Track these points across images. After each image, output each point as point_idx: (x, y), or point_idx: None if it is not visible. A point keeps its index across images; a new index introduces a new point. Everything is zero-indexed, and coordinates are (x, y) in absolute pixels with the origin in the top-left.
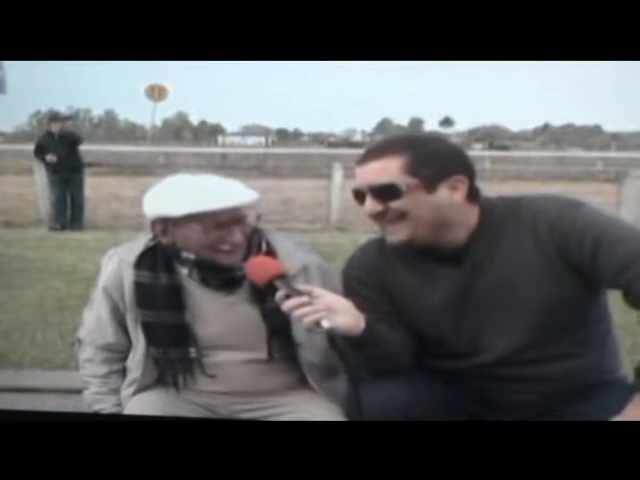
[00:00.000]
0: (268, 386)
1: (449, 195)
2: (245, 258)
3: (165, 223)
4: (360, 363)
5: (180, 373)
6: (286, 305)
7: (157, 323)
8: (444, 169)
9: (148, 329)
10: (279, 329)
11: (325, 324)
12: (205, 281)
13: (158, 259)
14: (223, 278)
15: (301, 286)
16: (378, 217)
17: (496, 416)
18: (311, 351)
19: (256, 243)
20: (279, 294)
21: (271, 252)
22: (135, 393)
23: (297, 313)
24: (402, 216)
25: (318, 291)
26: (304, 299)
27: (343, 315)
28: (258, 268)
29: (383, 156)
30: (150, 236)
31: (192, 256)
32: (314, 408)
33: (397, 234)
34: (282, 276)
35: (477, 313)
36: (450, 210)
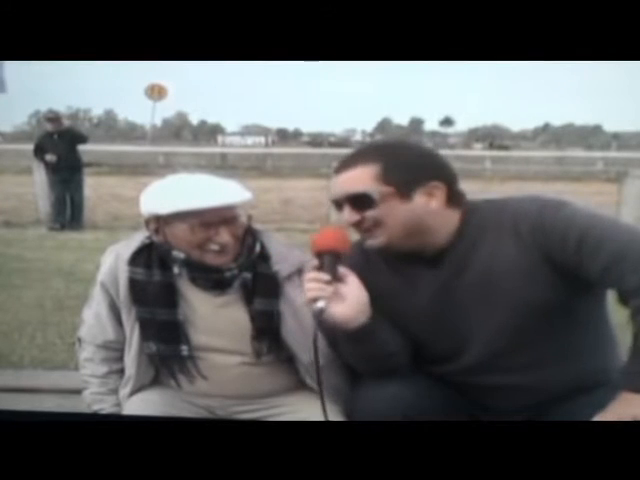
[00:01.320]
0: (264, 388)
1: (425, 202)
2: (236, 259)
3: (157, 221)
4: (355, 360)
5: (174, 371)
6: (306, 275)
7: (150, 320)
8: (418, 176)
9: (141, 325)
10: (266, 331)
11: (319, 304)
12: (195, 281)
13: (153, 257)
14: (212, 279)
15: (341, 269)
16: (356, 225)
17: (493, 418)
18: (311, 352)
19: (249, 244)
20: (311, 263)
21: (265, 254)
22: (132, 392)
23: (307, 285)
24: (377, 224)
25: (350, 278)
26: (323, 276)
27: (344, 305)
28: (324, 237)
29: (356, 165)
30: (147, 234)
31: (182, 255)
32: (313, 408)
33: (374, 240)
34: (334, 254)
35: (458, 316)
36: (427, 217)
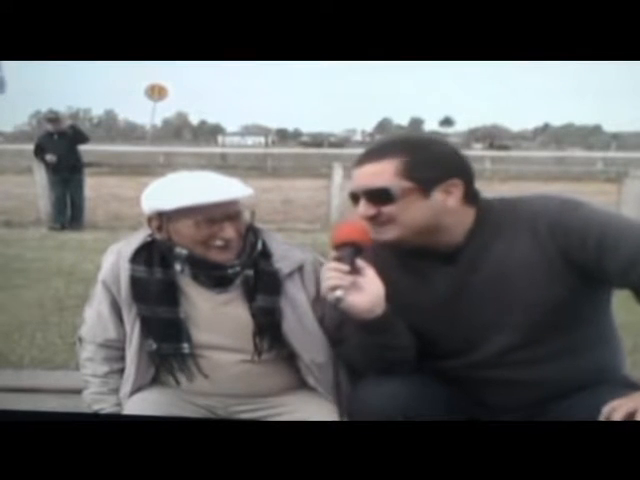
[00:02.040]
0: (265, 387)
1: (443, 200)
2: (239, 256)
3: (160, 218)
4: (363, 353)
5: (174, 369)
6: (326, 266)
7: (151, 318)
8: (440, 173)
9: (142, 323)
10: (267, 328)
11: (337, 293)
12: (196, 278)
13: (154, 255)
14: (214, 276)
15: (359, 262)
16: (370, 219)
17: (494, 417)
18: (312, 349)
19: (251, 241)
20: (332, 254)
21: (266, 251)
22: (132, 391)
23: (326, 274)
24: (392, 219)
25: (368, 270)
26: (342, 267)
27: (362, 296)
28: (346, 229)
29: (379, 159)
30: (149, 232)
31: (185, 252)
32: (313, 408)
33: (385, 234)
34: (355, 247)
35: (470, 312)
36: (443, 215)
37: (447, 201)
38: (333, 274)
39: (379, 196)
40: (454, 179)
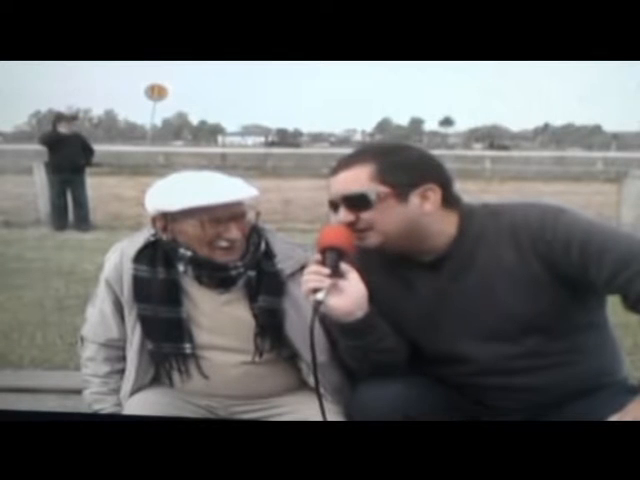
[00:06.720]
0: (266, 388)
1: (419, 205)
2: (243, 257)
3: (165, 219)
4: (352, 357)
5: (174, 369)
6: (307, 269)
7: (153, 317)
8: (414, 177)
9: (144, 323)
10: (269, 328)
11: (318, 296)
12: (199, 279)
13: (157, 254)
14: (217, 277)
15: (343, 265)
16: (349, 226)
17: (493, 418)
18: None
19: (255, 242)
20: (313, 257)
21: (269, 252)
22: (133, 391)
23: (306, 277)
24: (371, 226)
25: (351, 274)
26: (323, 270)
27: (343, 299)
28: (330, 234)
29: (352, 165)
30: (152, 231)
31: (189, 253)
32: (313, 409)
33: (366, 241)
34: (338, 251)
35: (455, 322)
36: (421, 220)
37: (424, 206)
38: (313, 277)
39: (357, 202)
40: (430, 184)
